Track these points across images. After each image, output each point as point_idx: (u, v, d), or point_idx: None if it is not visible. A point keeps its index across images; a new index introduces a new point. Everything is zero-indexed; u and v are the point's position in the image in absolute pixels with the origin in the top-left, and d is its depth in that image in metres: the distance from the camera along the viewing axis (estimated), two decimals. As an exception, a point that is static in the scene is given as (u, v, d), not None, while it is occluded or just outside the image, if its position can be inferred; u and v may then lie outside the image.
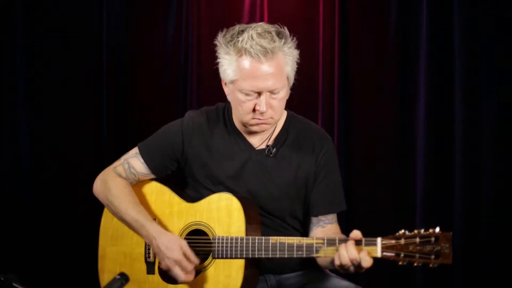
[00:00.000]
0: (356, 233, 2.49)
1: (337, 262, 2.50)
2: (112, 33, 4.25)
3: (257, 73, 2.62)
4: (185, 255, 2.67)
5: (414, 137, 4.13)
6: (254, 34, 2.61)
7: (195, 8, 4.26)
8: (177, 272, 2.67)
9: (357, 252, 2.45)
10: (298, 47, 2.73)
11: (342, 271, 2.53)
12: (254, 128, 2.76)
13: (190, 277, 2.69)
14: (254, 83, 2.63)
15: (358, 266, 2.46)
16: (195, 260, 2.68)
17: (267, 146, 2.84)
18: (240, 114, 2.74)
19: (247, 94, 2.67)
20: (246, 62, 2.63)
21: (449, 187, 4.06)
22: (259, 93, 2.66)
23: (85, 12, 4.24)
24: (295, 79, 2.76)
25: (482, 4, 4.03)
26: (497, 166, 4.02)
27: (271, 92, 2.66)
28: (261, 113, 2.68)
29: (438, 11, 4.09)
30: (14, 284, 2.26)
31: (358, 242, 2.47)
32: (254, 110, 2.68)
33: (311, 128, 2.92)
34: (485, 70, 4.04)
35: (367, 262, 2.45)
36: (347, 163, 4.20)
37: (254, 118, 2.71)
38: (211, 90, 4.15)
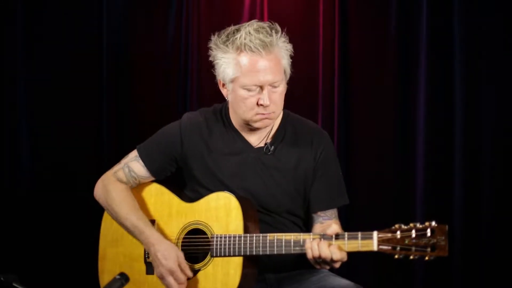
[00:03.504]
0: (332, 229, 2.56)
1: (309, 256, 2.55)
2: (112, 33, 4.24)
3: (257, 67, 2.69)
4: (180, 266, 2.71)
5: (414, 137, 4.13)
6: (251, 30, 2.70)
7: (195, 9, 4.25)
8: (170, 281, 2.72)
9: (327, 247, 2.50)
10: (298, 47, 2.85)
11: (316, 266, 2.58)
12: (257, 124, 2.78)
13: (182, 287, 2.72)
14: (256, 77, 2.69)
15: (330, 260, 2.52)
16: (189, 273, 2.72)
17: (265, 144, 2.85)
18: (242, 111, 2.77)
19: (249, 90, 2.72)
20: (246, 57, 2.69)
21: (449, 186, 4.06)
22: (261, 88, 2.71)
23: (85, 12, 4.23)
24: (291, 73, 2.82)
25: (482, 4, 4.03)
26: (497, 165, 4.02)
27: (272, 85, 2.72)
28: (265, 107, 2.72)
29: (438, 11, 4.09)
30: (14, 284, 2.26)
31: (337, 236, 2.52)
32: (257, 105, 2.73)
33: (307, 125, 2.95)
34: (485, 70, 4.04)
35: (337, 255, 2.50)
36: (347, 163, 4.19)
37: (257, 114, 2.75)
38: (211, 90, 4.14)
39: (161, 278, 2.74)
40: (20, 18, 4.17)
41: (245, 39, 2.67)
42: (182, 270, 2.71)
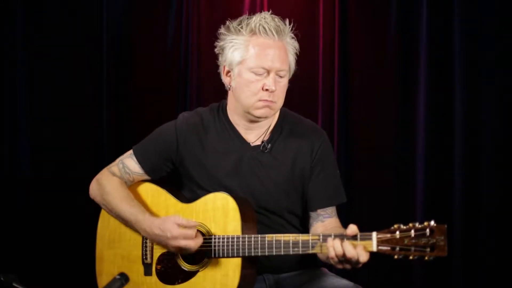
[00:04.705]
0: (352, 229, 2.48)
1: (331, 255, 2.48)
2: (112, 33, 4.25)
3: (268, 51, 2.72)
4: (181, 226, 2.66)
5: (414, 137, 4.13)
6: (266, 15, 2.76)
7: (195, 9, 4.26)
8: (186, 243, 2.66)
9: (354, 248, 2.44)
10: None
11: (338, 267, 2.52)
12: (258, 113, 2.77)
13: (199, 240, 2.68)
14: (265, 61, 2.72)
15: (356, 262, 2.46)
16: (192, 223, 2.67)
17: (262, 142, 2.85)
18: (246, 96, 2.76)
19: (256, 73, 2.73)
20: (258, 39, 2.73)
21: (449, 186, 4.06)
22: (268, 73, 2.73)
23: (85, 11, 4.24)
24: (295, 71, 2.84)
25: (482, 4, 4.03)
26: (497, 165, 4.02)
27: (278, 74, 2.74)
28: (269, 94, 2.73)
29: (438, 11, 4.09)
30: (14, 284, 2.26)
31: (354, 237, 2.46)
32: (261, 90, 2.73)
33: (304, 123, 2.95)
34: (485, 70, 4.04)
35: (363, 257, 2.45)
36: (347, 162, 4.20)
37: (260, 100, 2.74)
38: (211, 90, 4.17)
39: (176, 249, 2.69)
40: (20, 18, 4.18)
41: (260, 21, 2.72)
42: (185, 227, 2.66)
